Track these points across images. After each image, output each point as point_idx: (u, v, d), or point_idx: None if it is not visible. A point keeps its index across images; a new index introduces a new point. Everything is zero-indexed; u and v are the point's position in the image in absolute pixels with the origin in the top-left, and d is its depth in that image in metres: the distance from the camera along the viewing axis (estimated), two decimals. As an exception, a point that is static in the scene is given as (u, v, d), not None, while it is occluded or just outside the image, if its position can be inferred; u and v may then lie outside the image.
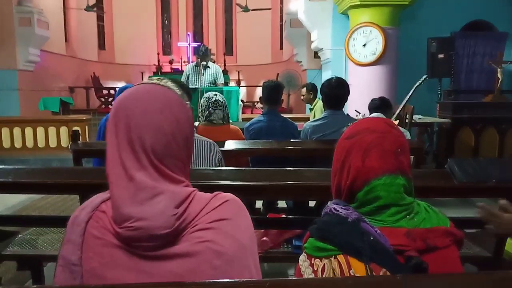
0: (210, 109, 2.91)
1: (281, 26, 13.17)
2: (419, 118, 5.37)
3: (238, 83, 13.32)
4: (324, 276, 0.95)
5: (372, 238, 0.95)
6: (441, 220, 1.02)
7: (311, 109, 5.89)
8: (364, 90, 5.35)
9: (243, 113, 7.97)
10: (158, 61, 13.84)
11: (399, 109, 4.42)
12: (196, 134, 2.30)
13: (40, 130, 7.02)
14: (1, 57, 8.39)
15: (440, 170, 2.06)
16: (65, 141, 6.93)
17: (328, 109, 3.07)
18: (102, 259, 0.81)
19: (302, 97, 6.07)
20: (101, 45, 13.78)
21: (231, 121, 3.13)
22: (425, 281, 0.86)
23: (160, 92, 0.87)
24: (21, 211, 4.64)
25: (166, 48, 15.14)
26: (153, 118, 0.83)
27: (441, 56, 6.16)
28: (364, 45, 5.76)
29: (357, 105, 4.69)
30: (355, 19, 5.85)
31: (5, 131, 6.98)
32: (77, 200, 2.03)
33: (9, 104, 8.40)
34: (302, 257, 1.03)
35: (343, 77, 3.80)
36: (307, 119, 5.20)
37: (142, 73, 13.39)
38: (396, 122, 4.23)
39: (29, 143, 7.03)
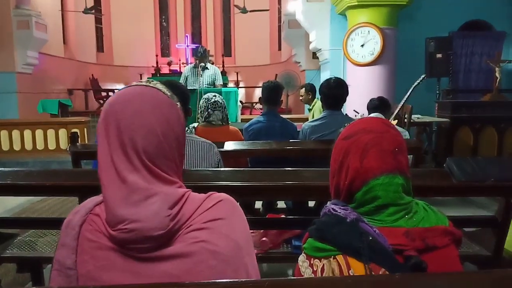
0: (209, 110, 2.91)
1: (279, 27, 13.18)
2: (417, 118, 5.38)
3: (236, 84, 13.31)
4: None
5: (371, 238, 0.94)
6: (439, 219, 1.02)
7: (309, 110, 5.90)
8: (362, 90, 5.36)
9: (242, 114, 7.97)
10: (157, 62, 13.83)
11: (398, 109, 4.43)
12: (194, 135, 2.30)
13: (39, 133, 7.03)
14: (-1, 60, 8.40)
15: (438, 169, 2.06)
16: (64, 143, 6.93)
17: (327, 109, 3.07)
18: (97, 262, 0.81)
19: (300, 98, 6.07)
20: (100, 47, 13.78)
21: (230, 122, 3.13)
22: (424, 280, 0.86)
23: (150, 93, 0.87)
24: (20, 213, 4.64)
25: (165, 49, 15.15)
26: (144, 119, 0.83)
27: (439, 55, 6.17)
28: (362, 46, 5.77)
29: (355, 105, 4.69)
30: (353, 19, 5.86)
31: (4, 133, 6.98)
32: (76, 202, 2.03)
33: (8, 107, 8.40)
34: (302, 257, 1.03)
35: (342, 78, 3.81)
36: (306, 119, 5.20)
37: (140, 75, 13.38)
38: (395, 122, 4.23)
39: (28, 146, 7.02)
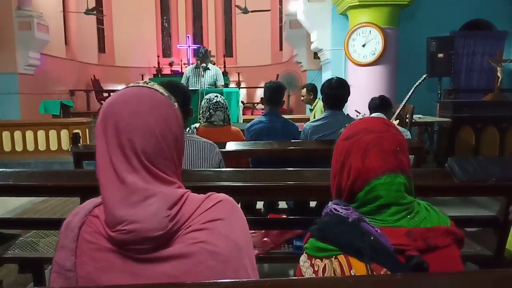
0: (210, 110, 2.91)
1: (280, 27, 13.18)
2: (419, 118, 5.37)
3: (238, 84, 13.32)
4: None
5: (372, 238, 0.94)
6: (441, 220, 1.02)
7: (311, 110, 5.90)
8: (364, 90, 5.35)
9: (243, 114, 7.97)
10: (158, 63, 13.85)
11: (399, 109, 4.42)
12: (196, 136, 2.31)
13: (40, 133, 7.04)
14: (1, 61, 8.40)
15: (440, 169, 2.06)
16: (65, 144, 6.94)
17: (328, 109, 3.07)
18: (96, 263, 0.81)
19: (302, 98, 6.07)
20: (101, 48, 13.79)
21: (231, 122, 3.14)
22: (426, 280, 0.86)
23: (147, 94, 0.87)
24: (22, 214, 4.65)
25: (166, 50, 15.16)
26: (142, 120, 0.83)
27: (440, 55, 6.17)
28: (363, 45, 5.77)
29: (357, 105, 4.69)
30: (354, 19, 5.85)
31: (6, 134, 6.99)
32: (78, 203, 2.03)
33: (9, 108, 8.41)
34: (303, 257, 1.03)
35: (343, 78, 3.80)
36: (307, 119, 5.20)
37: (142, 75, 13.40)
38: (396, 121, 4.23)
39: (30, 146, 7.03)
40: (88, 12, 10.79)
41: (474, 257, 2.13)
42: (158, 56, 14.12)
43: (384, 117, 2.92)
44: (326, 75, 6.56)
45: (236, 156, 2.82)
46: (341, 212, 1.00)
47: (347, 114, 3.86)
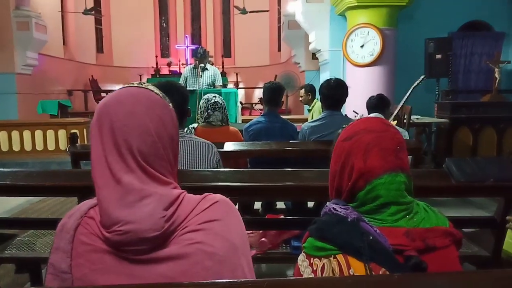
0: (209, 110, 2.91)
1: (279, 27, 13.18)
2: (417, 119, 5.38)
3: (236, 85, 13.31)
4: (323, 276, 0.95)
5: (371, 237, 0.95)
6: (440, 220, 1.02)
7: (309, 110, 5.90)
8: (362, 91, 5.35)
9: (241, 114, 7.97)
10: (156, 63, 13.83)
11: (397, 110, 4.43)
12: (194, 136, 2.30)
13: (38, 133, 7.02)
14: (-1, 60, 8.40)
15: (438, 169, 2.06)
16: (63, 144, 6.93)
17: (327, 109, 3.07)
18: (92, 265, 0.81)
19: (300, 98, 6.08)
20: (99, 48, 13.77)
21: (230, 122, 3.13)
22: (424, 280, 0.86)
23: (143, 94, 0.87)
24: (20, 214, 4.64)
25: (164, 50, 15.14)
26: (138, 120, 0.83)
27: (438, 56, 6.18)
28: (361, 46, 5.77)
29: (355, 105, 4.69)
30: (353, 20, 5.86)
31: (4, 134, 6.97)
32: (75, 203, 2.03)
33: (7, 108, 8.39)
34: (301, 256, 1.03)
35: (341, 78, 3.81)
36: (306, 120, 5.20)
37: (140, 75, 13.38)
38: (394, 122, 4.24)
39: (28, 146, 7.02)
40: (86, 12, 10.77)
41: (471, 257, 2.13)
42: (156, 56, 14.10)
43: (382, 117, 2.93)
44: (324, 76, 6.57)
45: (234, 157, 2.82)
46: (340, 212, 1.00)
47: (345, 115, 3.86)
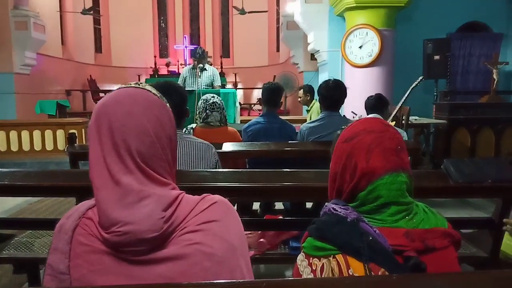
0: (207, 111, 2.91)
1: (277, 28, 13.18)
2: (415, 119, 5.39)
3: (235, 85, 13.32)
4: (323, 276, 0.95)
5: (371, 238, 0.95)
6: (439, 221, 1.03)
7: (308, 111, 5.91)
8: (360, 91, 5.34)
9: (240, 115, 7.96)
10: (155, 63, 13.83)
11: (396, 111, 4.43)
12: (192, 136, 2.30)
13: (36, 133, 7.01)
14: (-3, 60, 8.38)
15: (436, 170, 2.07)
16: (61, 144, 6.92)
17: (325, 110, 3.07)
18: (91, 266, 0.81)
19: (299, 99, 6.08)
20: (98, 48, 13.76)
21: (228, 123, 3.13)
22: (424, 280, 0.86)
23: (141, 94, 0.87)
24: (18, 214, 4.62)
25: (163, 50, 15.14)
26: (136, 120, 0.82)
27: (437, 57, 6.19)
28: (360, 47, 5.78)
29: (353, 106, 4.69)
30: (351, 21, 5.87)
31: (2, 134, 6.96)
32: (73, 203, 2.02)
33: (5, 108, 8.37)
34: (301, 256, 1.03)
35: (340, 79, 3.81)
36: (304, 121, 5.21)
37: (139, 75, 13.37)
38: (393, 123, 4.24)
39: (26, 146, 7.00)
40: (84, 12, 10.76)
41: (469, 258, 2.14)
42: (155, 57, 14.10)
43: (381, 118, 2.93)
44: (323, 77, 6.57)
45: (233, 157, 2.82)
46: (340, 212, 1.00)
47: (344, 116, 3.87)
